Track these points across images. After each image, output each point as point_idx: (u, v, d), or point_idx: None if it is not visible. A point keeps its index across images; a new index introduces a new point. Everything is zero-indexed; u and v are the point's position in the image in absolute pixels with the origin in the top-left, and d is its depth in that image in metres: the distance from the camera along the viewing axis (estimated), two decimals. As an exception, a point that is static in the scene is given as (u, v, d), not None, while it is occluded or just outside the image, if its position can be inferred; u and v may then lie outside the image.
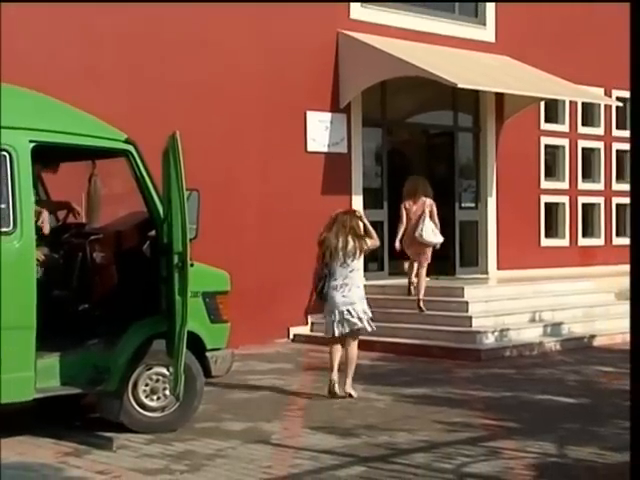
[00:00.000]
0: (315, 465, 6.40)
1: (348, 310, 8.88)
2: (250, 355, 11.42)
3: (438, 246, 12.71)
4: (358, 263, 9.08)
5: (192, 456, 6.66)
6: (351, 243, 8.86)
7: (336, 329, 8.97)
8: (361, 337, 9.24)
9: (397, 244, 12.64)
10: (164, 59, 11.91)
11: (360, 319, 8.93)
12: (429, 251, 12.63)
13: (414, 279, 12.70)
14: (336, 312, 8.93)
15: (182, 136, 6.83)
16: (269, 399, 8.91)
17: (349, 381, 8.98)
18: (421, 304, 12.49)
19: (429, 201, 12.64)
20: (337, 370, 9.01)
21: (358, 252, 8.93)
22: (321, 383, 9.63)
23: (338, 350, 9.10)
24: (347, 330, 8.96)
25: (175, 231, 6.88)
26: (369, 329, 9.03)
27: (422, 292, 12.52)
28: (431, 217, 12.54)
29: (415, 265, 12.69)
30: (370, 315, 9.04)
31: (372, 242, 9.09)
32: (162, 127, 7.93)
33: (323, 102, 13.51)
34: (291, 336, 13.07)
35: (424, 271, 12.60)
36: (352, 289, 8.93)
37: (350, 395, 8.89)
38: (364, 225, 9.01)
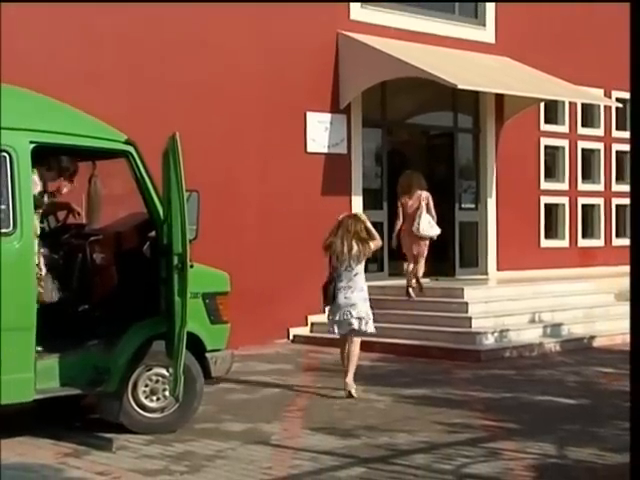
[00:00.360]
0: (315, 466, 6.40)
1: (349, 311, 9.05)
2: (250, 356, 11.42)
3: (435, 237, 12.82)
4: (361, 266, 9.24)
5: (192, 457, 6.66)
6: (355, 247, 9.06)
7: (337, 329, 9.17)
8: (361, 338, 9.34)
9: (394, 240, 12.73)
10: (164, 59, 11.90)
11: (359, 319, 9.08)
12: (426, 244, 12.74)
13: (413, 283, 12.77)
14: (338, 313, 9.10)
15: (182, 136, 6.83)
16: (269, 400, 8.91)
17: (350, 378, 9.05)
18: (420, 281, 12.74)
19: (425, 194, 12.75)
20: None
21: (362, 256, 9.14)
22: (321, 384, 9.65)
23: (345, 350, 9.26)
24: (345, 331, 9.14)
25: (175, 232, 6.87)
26: (364, 329, 9.14)
27: (421, 272, 12.66)
28: (427, 210, 12.68)
29: (412, 266, 12.76)
30: (371, 317, 9.17)
31: (375, 243, 9.26)
32: (162, 127, 7.94)
33: (323, 103, 13.51)
34: (291, 337, 13.07)
35: (423, 260, 12.74)
36: (355, 292, 9.11)
37: (350, 393, 8.95)
38: (366, 227, 9.16)
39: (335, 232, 9.22)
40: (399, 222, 12.74)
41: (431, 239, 12.77)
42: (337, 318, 9.10)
